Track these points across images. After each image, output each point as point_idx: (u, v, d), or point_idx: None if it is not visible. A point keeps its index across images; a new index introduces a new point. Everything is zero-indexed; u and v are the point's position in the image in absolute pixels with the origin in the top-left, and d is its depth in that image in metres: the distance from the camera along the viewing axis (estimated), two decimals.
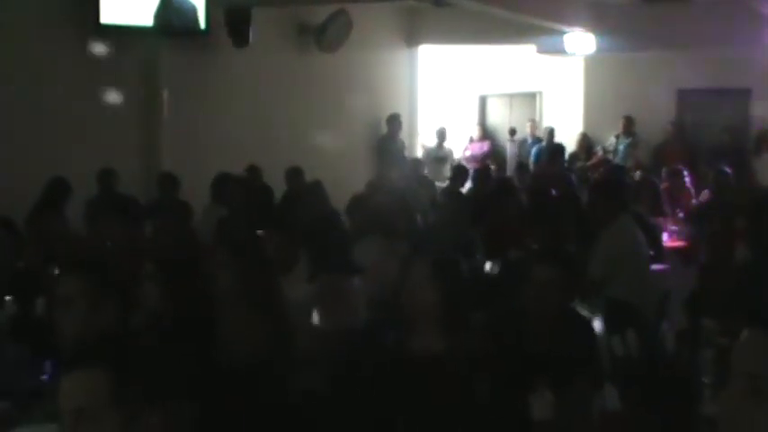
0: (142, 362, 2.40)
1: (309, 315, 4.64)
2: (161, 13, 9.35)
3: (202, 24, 9.62)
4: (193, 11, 9.58)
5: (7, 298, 3.96)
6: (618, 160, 12.83)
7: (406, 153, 13.09)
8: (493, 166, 12.20)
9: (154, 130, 9.89)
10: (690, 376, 3.11)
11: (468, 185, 10.44)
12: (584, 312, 4.43)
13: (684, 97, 14.06)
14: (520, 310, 3.93)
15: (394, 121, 13.00)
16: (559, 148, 12.54)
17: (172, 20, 9.46)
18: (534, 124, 14.60)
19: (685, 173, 10.25)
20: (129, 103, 9.67)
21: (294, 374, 4.00)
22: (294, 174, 9.49)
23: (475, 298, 4.04)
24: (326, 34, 11.89)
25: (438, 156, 13.39)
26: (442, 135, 13.83)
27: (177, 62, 9.93)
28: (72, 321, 3.13)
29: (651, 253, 6.77)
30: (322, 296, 4.71)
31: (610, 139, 13.78)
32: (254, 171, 9.56)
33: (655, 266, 6.96)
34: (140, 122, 9.81)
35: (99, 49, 9.26)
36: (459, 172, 10.87)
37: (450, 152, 13.75)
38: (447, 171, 12.13)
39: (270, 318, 3.68)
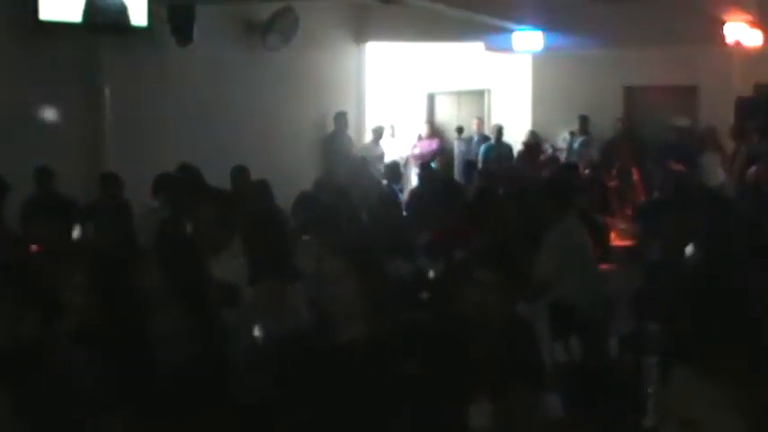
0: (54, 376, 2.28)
1: (251, 319, 4.56)
2: (86, 10, 9.15)
3: (143, 21, 9.41)
4: (120, 7, 9.36)
5: None
6: (572, 158, 12.85)
7: (353, 151, 12.98)
8: (435, 164, 12.13)
9: (96, 128, 9.69)
10: (633, 383, 3.04)
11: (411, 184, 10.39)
12: (527, 316, 4.34)
13: (632, 94, 14.13)
14: (460, 314, 3.84)
15: (340, 118, 12.91)
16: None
17: (96, 17, 9.24)
18: (480, 122, 14.57)
19: (634, 170, 10.26)
20: (70, 101, 9.49)
21: (233, 377, 3.91)
22: (239, 172, 9.32)
23: (413, 299, 3.97)
24: (273, 31, 11.75)
25: (372, 154, 13.25)
26: (377, 133, 13.73)
27: (119, 60, 9.74)
28: None
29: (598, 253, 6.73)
30: (262, 301, 4.63)
31: (562, 136, 13.79)
32: (186, 169, 9.34)
33: (602, 266, 6.92)
34: (82, 121, 9.60)
35: (38, 45, 9.04)
36: (392, 171, 10.78)
37: (383, 152, 13.62)
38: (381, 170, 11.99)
39: (203, 320, 3.58)
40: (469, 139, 14.49)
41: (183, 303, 3.91)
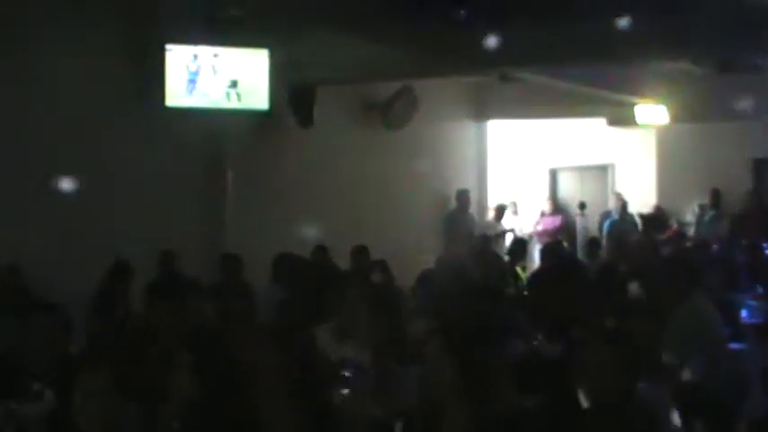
0: None
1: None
2: None
3: (265, 104, 9.63)
4: None
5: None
6: (701, 233, 12.54)
7: (475, 229, 12.91)
8: (564, 242, 11.96)
9: (219, 210, 9.90)
10: None
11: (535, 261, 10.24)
12: (651, 400, 4.16)
13: (760, 166, 13.72)
14: (577, 396, 3.71)
15: (462, 196, 12.89)
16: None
17: None
18: (620, 197, 14.17)
19: (765, 245, 9.90)
20: (194, 183, 9.72)
21: None
22: (359, 252, 9.37)
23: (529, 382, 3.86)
24: (393, 111, 11.88)
25: (495, 232, 13.13)
26: (500, 210, 13.65)
27: (241, 143, 9.96)
28: (90, 419, 2.99)
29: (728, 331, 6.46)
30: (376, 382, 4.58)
31: (691, 209, 13.48)
32: (321, 251, 9.45)
33: (733, 346, 6.64)
34: (206, 203, 9.82)
35: (165, 130, 9.34)
36: (517, 248, 10.65)
37: (506, 228, 13.49)
38: (505, 247, 11.87)
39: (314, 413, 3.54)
40: (607, 214, 14.12)
41: (295, 386, 3.86)
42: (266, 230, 9.82)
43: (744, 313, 7.98)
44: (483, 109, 14.18)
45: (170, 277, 7.91)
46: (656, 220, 12.81)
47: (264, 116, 9.85)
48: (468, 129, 14.06)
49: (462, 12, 8.10)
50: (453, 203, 12.98)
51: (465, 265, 8.93)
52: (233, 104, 9.58)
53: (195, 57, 9.37)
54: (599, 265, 8.86)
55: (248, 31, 9.18)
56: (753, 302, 8.43)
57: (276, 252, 8.46)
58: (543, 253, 9.99)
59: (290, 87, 10.24)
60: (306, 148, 10.59)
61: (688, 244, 11.37)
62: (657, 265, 7.32)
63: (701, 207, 13.39)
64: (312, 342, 4.61)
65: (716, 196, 13.25)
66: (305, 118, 10.40)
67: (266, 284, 8.09)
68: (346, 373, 4.65)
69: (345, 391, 4.55)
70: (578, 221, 14.45)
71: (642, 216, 13.07)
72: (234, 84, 9.50)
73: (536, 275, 8.86)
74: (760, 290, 8.90)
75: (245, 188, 10.00)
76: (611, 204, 14.22)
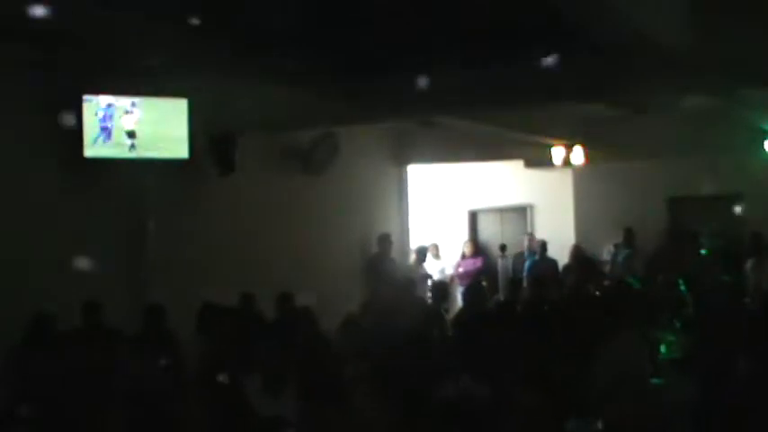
0: None
1: None
2: None
3: (185, 153, 9.58)
4: None
5: None
6: (616, 271, 12.72)
7: (398, 273, 12.95)
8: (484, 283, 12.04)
9: (140, 259, 9.78)
10: None
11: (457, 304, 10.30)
12: None
13: (675, 205, 14.06)
14: None
15: (384, 240, 12.93)
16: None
17: None
18: (532, 238, 14.45)
19: (680, 282, 10.10)
20: (116, 233, 9.58)
21: None
22: (284, 299, 9.33)
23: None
24: (314, 157, 11.92)
25: (417, 275, 13.16)
26: (421, 253, 13.69)
27: (163, 192, 9.87)
28: None
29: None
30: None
31: (607, 249, 13.70)
32: (245, 300, 9.38)
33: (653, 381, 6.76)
34: (127, 253, 9.69)
35: (83, 181, 9.23)
36: (439, 291, 10.71)
37: (427, 272, 13.55)
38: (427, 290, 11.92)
39: None
40: (520, 255, 14.34)
41: None
42: (189, 280, 9.72)
43: (662, 349, 8.14)
44: (403, 154, 14.31)
45: (94, 328, 7.79)
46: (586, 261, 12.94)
47: (185, 165, 9.80)
48: (389, 173, 14.16)
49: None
50: (375, 248, 13.01)
51: (389, 310, 8.96)
52: (152, 154, 9.51)
53: (112, 106, 9.31)
54: (522, 304, 8.95)
55: (167, 80, 9.15)
56: (671, 338, 8.60)
57: (200, 302, 8.37)
58: (466, 295, 10.06)
59: (211, 135, 10.20)
60: (227, 195, 10.54)
61: (606, 283, 11.54)
62: (581, 305, 7.42)
63: (616, 246, 13.62)
64: (241, 395, 4.60)
65: (629, 235, 13.48)
66: (226, 165, 10.36)
67: (190, 335, 7.99)
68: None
69: None
70: (499, 263, 14.59)
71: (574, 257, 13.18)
72: (153, 133, 9.45)
73: (460, 318, 8.95)
74: (677, 325, 9.08)
75: (167, 237, 9.89)
76: (526, 245, 14.42)
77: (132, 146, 9.33)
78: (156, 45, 7.76)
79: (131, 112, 9.38)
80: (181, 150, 9.62)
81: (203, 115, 9.67)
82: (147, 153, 9.46)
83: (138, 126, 9.40)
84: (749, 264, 11.80)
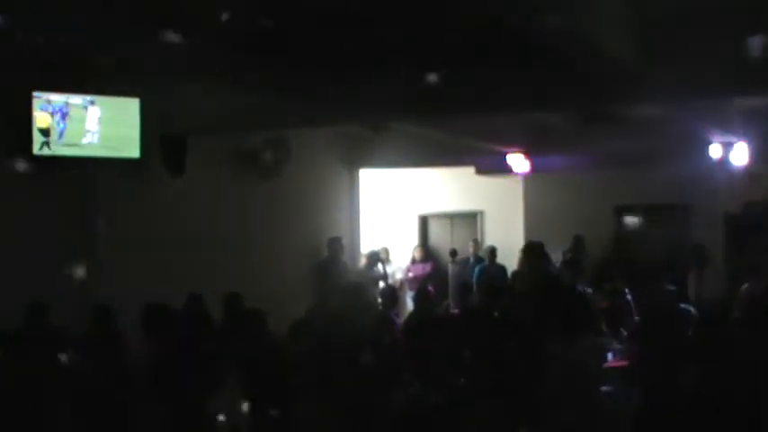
0: None
1: None
2: None
3: (136, 153, 9.50)
4: None
5: None
6: (565, 279, 12.81)
7: (348, 277, 12.96)
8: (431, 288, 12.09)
9: (89, 260, 9.67)
10: None
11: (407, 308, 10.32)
12: None
13: (622, 213, 14.25)
14: None
15: (335, 244, 12.92)
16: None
17: None
18: (477, 244, 14.62)
19: (627, 290, 10.24)
20: (65, 233, 9.48)
21: None
22: (232, 300, 9.28)
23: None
24: (265, 160, 11.88)
25: (367, 279, 13.18)
26: (372, 258, 13.72)
27: (113, 192, 9.79)
28: None
29: None
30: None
31: (555, 256, 13.81)
32: (194, 301, 9.32)
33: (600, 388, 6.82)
34: (76, 253, 9.58)
35: (33, 179, 9.11)
36: (388, 296, 10.72)
37: (379, 275, 13.59)
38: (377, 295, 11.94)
39: None
40: (465, 261, 14.50)
41: None
42: (138, 280, 9.64)
43: (609, 356, 8.24)
44: (355, 158, 14.32)
45: (40, 328, 7.70)
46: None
47: (136, 165, 9.71)
48: (340, 177, 14.17)
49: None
50: (326, 251, 13.00)
51: (339, 314, 8.95)
52: (103, 153, 9.41)
53: (65, 104, 9.20)
54: (468, 312, 9.00)
55: (119, 80, 9.06)
56: (617, 345, 8.72)
57: (148, 302, 8.30)
58: (416, 300, 10.10)
59: (162, 136, 10.13)
60: (177, 196, 10.48)
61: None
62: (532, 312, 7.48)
63: (564, 254, 13.75)
64: (187, 396, 4.57)
65: (578, 242, 13.63)
66: (176, 167, 10.29)
67: (138, 336, 7.92)
68: None
69: None
70: (450, 269, 14.68)
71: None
72: (104, 132, 9.36)
73: (410, 323, 8.98)
74: (623, 333, 9.20)
75: (116, 238, 9.80)
76: (471, 251, 14.52)
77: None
78: (108, 43, 7.69)
79: (83, 111, 9.28)
80: (132, 150, 9.53)
81: (155, 116, 9.60)
82: (98, 152, 9.35)
83: (89, 124, 9.29)
84: (691, 274, 12.01)
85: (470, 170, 14.66)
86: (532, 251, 11.38)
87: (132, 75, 8.78)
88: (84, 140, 9.26)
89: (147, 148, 9.64)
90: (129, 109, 9.46)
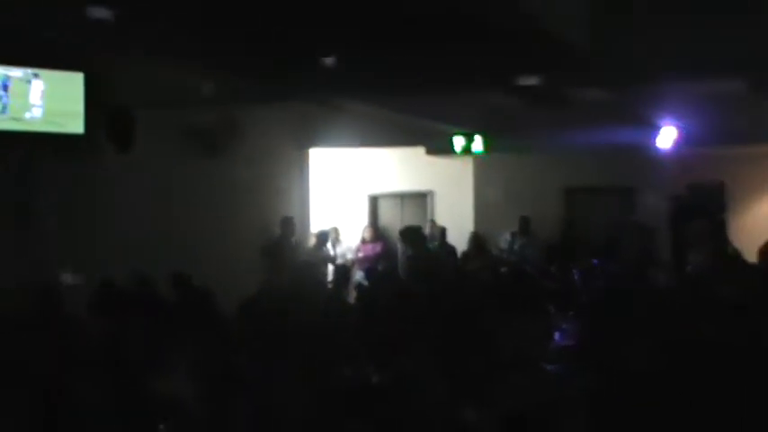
0: None
1: None
2: None
3: (80, 128, 9.34)
4: None
5: None
6: (512, 260, 12.93)
7: (298, 256, 12.91)
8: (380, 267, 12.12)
9: (32, 237, 9.52)
10: None
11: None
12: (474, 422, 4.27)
13: (571, 195, 14.36)
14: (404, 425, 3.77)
15: (287, 224, 12.87)
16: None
17: None
18: (434, 224, 14.58)
19: (574, 271, 10.31)
20: (6, 210, 9.32)
21: None
22: (181, 279, 9.19)
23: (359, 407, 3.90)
24: (214, 137, 11.76)
25: (317, 259, 13.14)
26: (321, 238, 13.67)
27: (55, 168, 9.62)
28: None
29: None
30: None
31: (504, 237, 13.88)
32: (142, 281, 9.21)
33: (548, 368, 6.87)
34: (18, 230, 9.42)
35: None
36: (340, 275, 10.72)
37: (329, 255, 13.56)
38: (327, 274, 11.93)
39: None
40: None
41: (121, 420, 3.78)
42: (84, 260, 9.51)
43: (557, 336, 8.29)
44: (306, 136, 14.24)
45: None
46: (479, 249, 13.06)
47: (80, 140, 9.56)
48: (290, 156, 14.08)
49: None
50: (276, 230, 12.93)
51: (289, 294, 8.92)
52: (47, 128, 9.25)
53: (6, 78, 9.02)
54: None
55: (63, 54, 8.90)
56: (564, 326, 8.77)
57: (93, 284, 8.20)
58: (366, 279, 10.11)
59: (108, 112, 9.96)
60: (124, 173, 10.33)
61: (503, 270, 11.70)
62: (478, 292, 7.51)
63: (513, 234, 13.83)
64: (137, 377, 4.51)
65: (525, 223, 13.71)
66: (123, 143, 10.13)
67: (86, 317, 7.82)
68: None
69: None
70: (399, 249, 14.68)
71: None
72: (48, 107, 9.19)
73: (363, 302, 8.96)
74: (570, 314, 9.26)
75: (61, 215, 9.65)
76: (428, 231, 14.54)
77: (26, 119, 9.00)
78: (51, 16, 7.54)
79: (26, 85, 9.10)
80: (76, 125, 9.37)
81: (100, 91, 9.44)
82: (41, 127, 9.19)
83: (32, 99, 9.12)
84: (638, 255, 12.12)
85: (421, 150, 14.66)
86: (408, 235, 11.74)
87: (77, 48, 8.63)
88: (28, 115, 9.10)
89: (93, 123, 9.50)
90: (72, 83, 9.29)
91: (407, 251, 12.14)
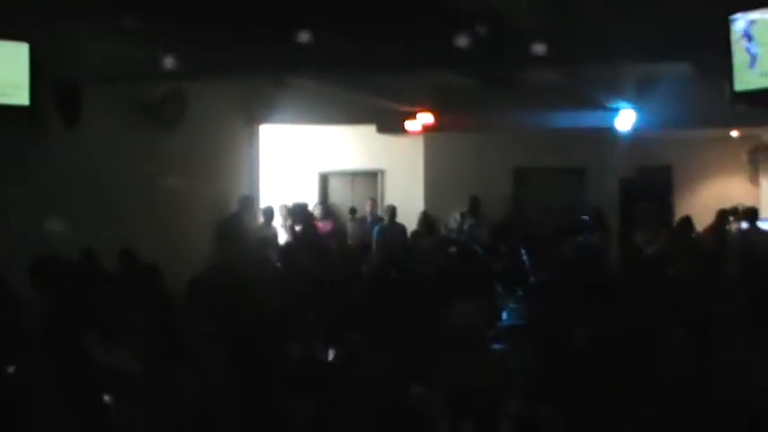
0: None
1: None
2: None
3: (26, 101, 9.15)
4: None
5: None
6: (461, 239, 12.95)
7: (248, 234, 12.84)
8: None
9: None
10: None
11: None
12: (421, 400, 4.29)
13: (520, 175, 14.44)
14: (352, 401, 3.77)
15: (245, 202, 12.81)
16: None
17: None
18: (374, 203, 14.64)
19: (522, 251, 10.37)
20: None
21: None
22: (127, 256, 9.11)
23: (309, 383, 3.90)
24: (162, 112, 11.63)
25: (264, 236, 13.05)
26: (269, 215, 13.55)
27: (1, 140, 9.44)
28: None
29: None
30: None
31: (454, 217, 13.92)
32: (87, 255, 9.11)
33: (495, 347, 6.91)
34: None
35: None
36: (289, 251, 10.69)
37: (275, 233, 13.49)
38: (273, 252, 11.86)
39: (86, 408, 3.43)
40: (363, 220, 14.51)
41: (66, 391, 3.74)
42: (28, 233, 9.35)
43: (504, 316, 8.34)
44: (256, 113, 14.15)
45: None
46: (429, 228, 13.08)
47: (26, 113, 9.37)
48: (240, 132, 13.98)
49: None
50: (225, 207, 12.85)
51: (238, 271, 8.88)
52: None
53: None
54: (371, 270, 9.01)
55: (7, 23, 8.70)
56: (512, 306, 8.82)
57: (39, 256, 8.07)
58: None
59: (55, 84, 9.79)
60: (71, 147, 10.16)
61: (452, 250, 11.74)
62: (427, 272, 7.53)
63: (462, 214, 13.87)
64: (81, 349, 4.47)
65: (475, 203, 13.74)
66: (70, 116, 9.97)
67: (26, 290, 7.71)
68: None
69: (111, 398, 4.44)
70: (349, 227, 14.67)
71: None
72: None
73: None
74: (518, 293, 9.31)
75: (4, 188, 9.48)
76: (368, 210, 14.54)
77: None
78: None
79: None
80: (21, 97, 9.18)
81: (47, 63, 9.26)
82: None
83: None
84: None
85: (372, 128, 14.62)
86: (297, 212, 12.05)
87: (22, 18, 8.45)
88: None
89: (40, 96, 9.31)
90: (18, 54, 9.10)
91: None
